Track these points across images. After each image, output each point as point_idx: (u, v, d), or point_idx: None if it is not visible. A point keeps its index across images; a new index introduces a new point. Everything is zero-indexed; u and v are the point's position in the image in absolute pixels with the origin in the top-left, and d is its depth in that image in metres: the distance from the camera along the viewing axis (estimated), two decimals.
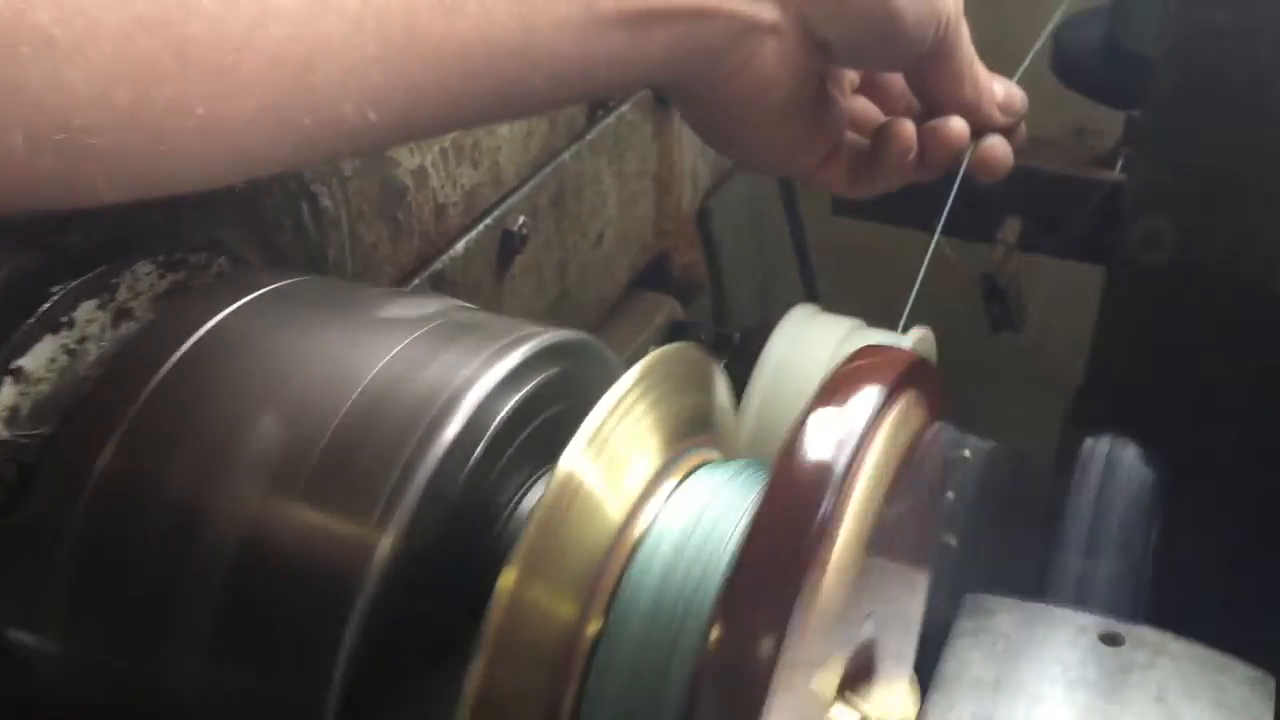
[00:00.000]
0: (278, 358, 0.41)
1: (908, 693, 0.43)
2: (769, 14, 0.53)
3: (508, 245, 0.72)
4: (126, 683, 0.38)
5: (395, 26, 0.40)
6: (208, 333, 0.41)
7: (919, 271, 0.66)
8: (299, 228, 0.56)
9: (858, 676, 0.40)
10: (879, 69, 0.62)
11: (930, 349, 0.67)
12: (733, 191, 1.12)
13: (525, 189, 0.74)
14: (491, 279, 0.72)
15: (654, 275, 0.97)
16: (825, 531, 0.32)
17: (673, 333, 0.77)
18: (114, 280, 0.43)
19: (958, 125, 0.62)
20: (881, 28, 0.55)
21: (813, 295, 1.28)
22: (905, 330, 0.62)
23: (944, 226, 0.94)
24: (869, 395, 0.36)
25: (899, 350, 0.39)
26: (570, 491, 0.36)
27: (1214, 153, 0.83)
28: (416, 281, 0.65)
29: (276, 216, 0.54)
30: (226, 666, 0.36)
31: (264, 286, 0.45)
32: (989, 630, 0.61)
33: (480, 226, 0.70)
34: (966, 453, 0.60)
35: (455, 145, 0.66)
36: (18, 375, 0.41)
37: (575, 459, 0.36)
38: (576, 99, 0.55)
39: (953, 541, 0.62)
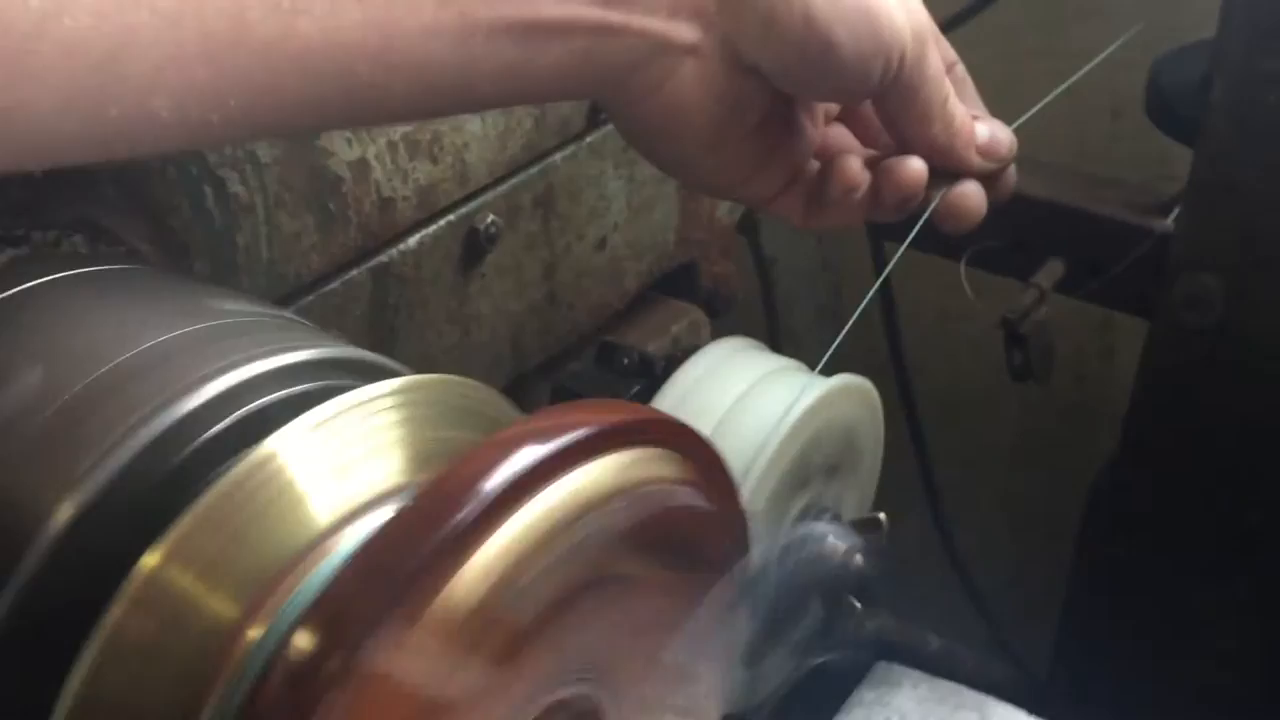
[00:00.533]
0: (57, 325, 0.41)
1: None
2: (687, 34, 0.50)
3: (473, 243, 0.71)
4: None
5: (220, 24, 0.39)
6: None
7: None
8: (200, 211, 0.56)
9: None
10: (822, 99, 0.58)
11: (856, 401, 0.62)
12: None
13: (502, 188, 0.72)
14: (454, 275, 0.71)
15: (684, 284, 0.94)
16: (438, 548, 0.30)
17: (599, 353, 0.75)
18: None
19: (912, 166, 0.57)
20: (815, 57, 0.51)
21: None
22: (827, 374, 0.58)
23: (980, 260, 0.89)
24: (562, 436, 0.33)
25: (635, 407, 0.36)
26: (266, 475, 0.35)
27: (1269, 211, 0.76)
28: (354, 273, 0.65)
29: (171, 198, 0.55)
30: None
31: (86, 267, 0.45)
32: (886, 705, 0.57)
33: (441, 223, 0.69)
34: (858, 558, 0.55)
35: (407, 140, 0.65)
36: None
37: (287, 440, 0.35)
38: (460, 109, 0.53)
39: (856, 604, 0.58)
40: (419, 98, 0.46)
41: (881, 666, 0.60)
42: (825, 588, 0.58)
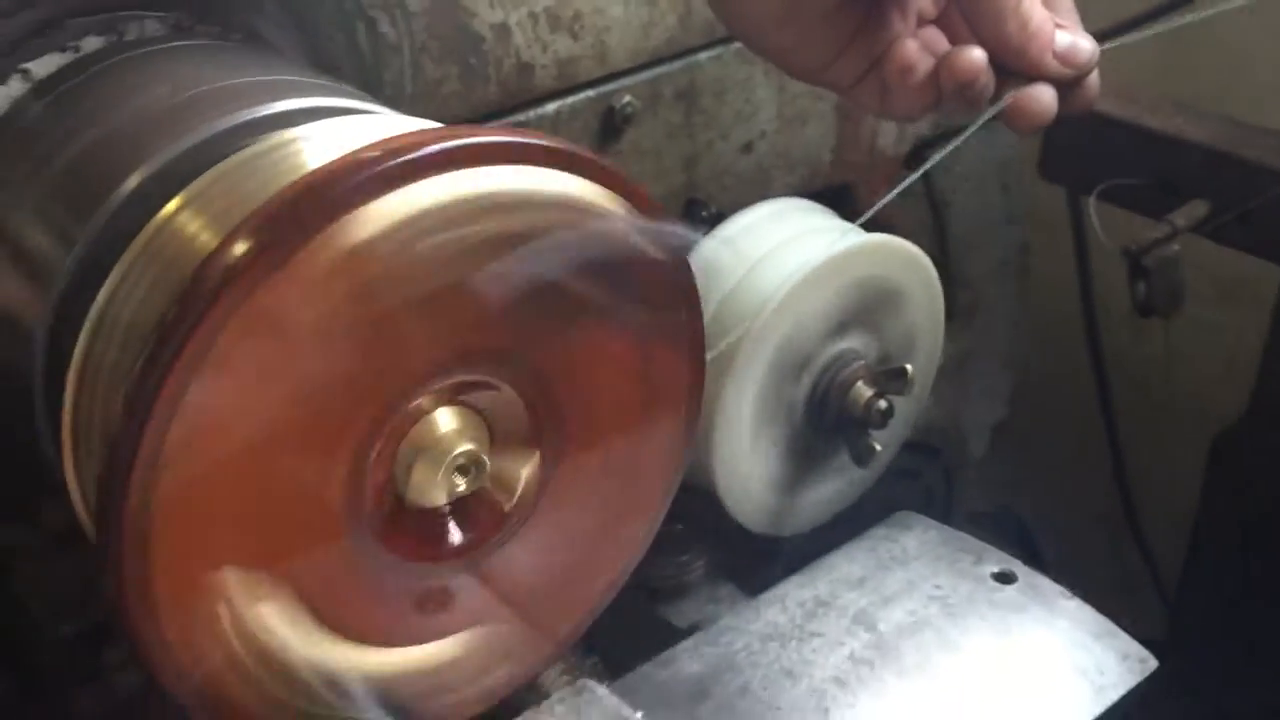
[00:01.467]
0: (186, 64, 0.54)
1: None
2: None
3: (609, 121, 0.80)
4: None
5: None
6: (126, 61, 0.54)
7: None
8: (352, 44, 0.68)
9: (499, 422, 0.46)
10: None
11: (899, 261, 0.66)
12: (973, 151, 1.11)
13: (643, 75, 0.81)
14: (591, 146, 0.80)
15: (835, 203, 0.99)
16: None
17: (686, 207, 0.81)
18: (125, 22, 0.58)
19: (971, 55, 0.60)
20: None
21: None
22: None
23: (1123, 194, 0.90)
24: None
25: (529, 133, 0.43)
26: (276, 149, 0.44)
27: None
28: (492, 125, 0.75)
29: (328, 29, 0.66)
30: None
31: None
32: (893, 541, 0.62)
33: (579, 96, 0.78)
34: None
35: (549, 13, 0.75)
36: (25, 75, 0.56)
37: (300, 130, 0.45)
38: None
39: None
40: None
41: (901, 514, 0.64)
42: (852, 427, 0.63)
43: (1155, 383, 1.17)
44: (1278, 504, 0.87)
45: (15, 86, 0.56)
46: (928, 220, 1.11)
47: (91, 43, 0.57)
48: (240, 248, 0.38)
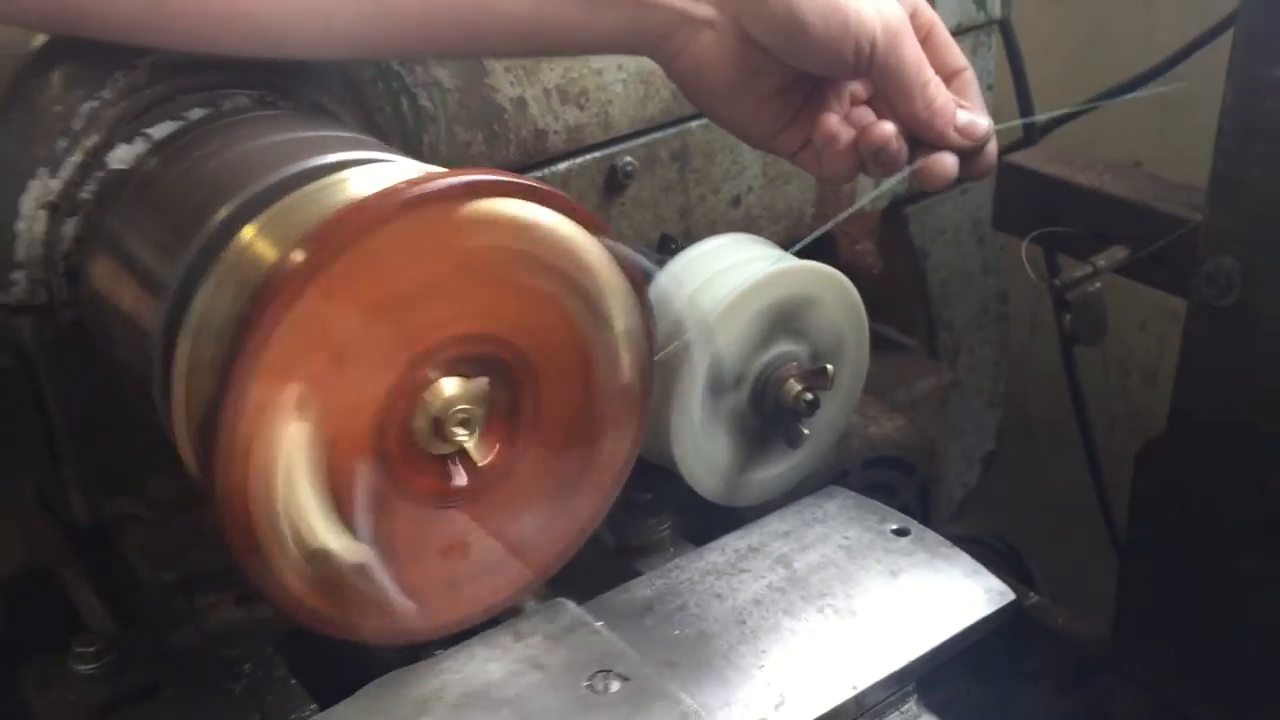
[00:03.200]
0: (274, 124, 0.71)
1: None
2: (705, 11, 0.73)
3: (613, 178, 0.96)
4: None
5: None
6: (221, 126, 0.71)
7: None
8: (397, 114, 0.85)
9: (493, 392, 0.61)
10: (812, 70, 0.75)
11: (825, 283, 0.80)
12: (949, 207, 1.26)
13: (640, 140, 0.97)
14: (597, 199, 0.96)
15: (819, 252, 1.14)
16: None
17: (660, 242, 0.96)
18: (222, 98, 0.75)
19: (882, 128, 0.76)
20: (795, 34, 0.72)
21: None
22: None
23: (1055, 240, 1.04)
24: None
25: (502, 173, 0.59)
26: (333, 185, 0.61)
27: (1273, 202, 0.88)
28: None
29: (378, 102, 0.84)
30: None
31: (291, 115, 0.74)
32: (818, 506, 0.76)
33: (586, 157, 0.95)
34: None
35: (559, 89, 0.92)
36: (146, 138, 0.73)
37: (355, 172, 0.61)
38: (538, 53, 0.79)
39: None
40: (508, 43, 0.72)
41: (829, 487, 0.78)
42: (784, 415, 0.78)
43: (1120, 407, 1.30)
44: (1194, 507, 1.00)
45: (139, 146, 0.73)
46: (909, 268, 1.26)
47: (196, 113, 0.74)
48: (297, 256, 0.54)
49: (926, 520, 1.17)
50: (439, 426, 0.60)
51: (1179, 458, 1.00)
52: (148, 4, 0.65)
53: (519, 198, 0.58)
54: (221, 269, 0.61)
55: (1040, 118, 0.92)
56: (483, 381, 0.61)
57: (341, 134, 0.72)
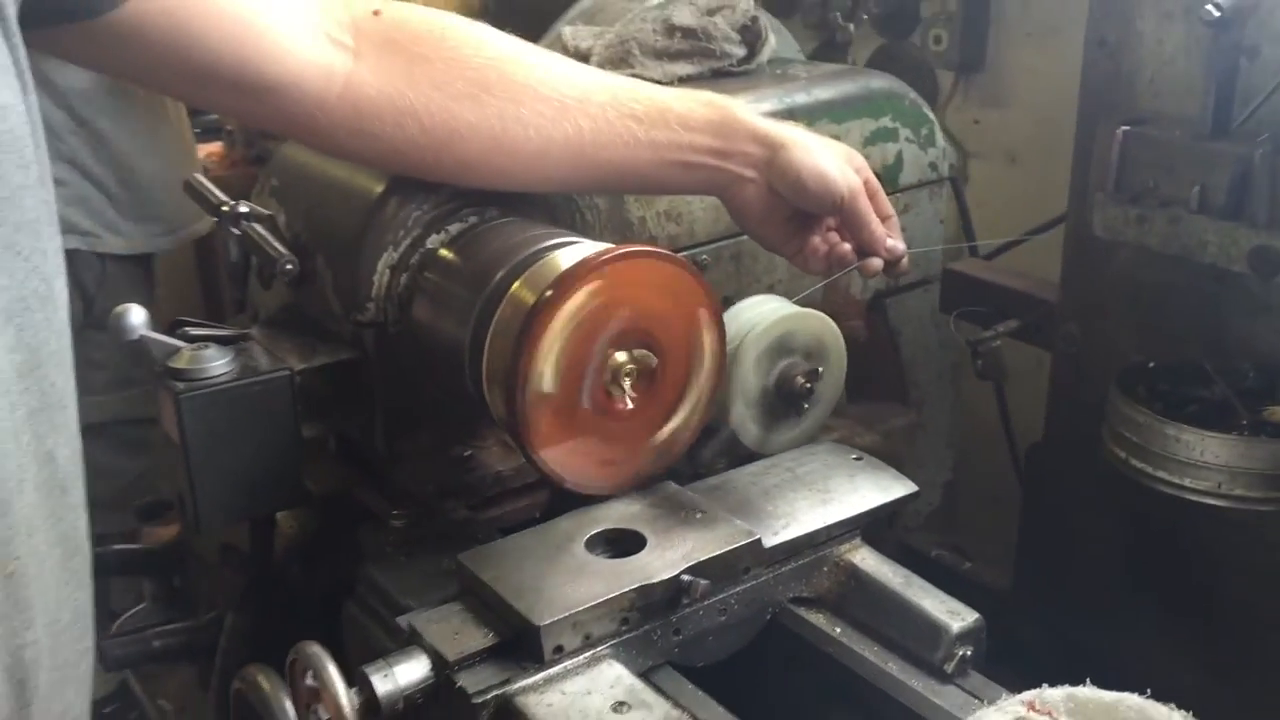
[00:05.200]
0: (502, 233, 1.31)
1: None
2: (751, 174, 1.33)
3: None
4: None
5: (578, 152, 1.28)
6: (489, 227, 1.31)
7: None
8: (573, 224, 1.45)
9: (640, 357, 1.19)
10: (807, 208, 1.35)
11: (819, 321, 1.40)
12: (915, 300, 1.84)
13: (712, 245, 1.57)
14: None
15: None
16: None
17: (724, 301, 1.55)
18: (483, 210, 1.35)
19: (844, 246, 1.36)
20: (795, 189, 1.32)
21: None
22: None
23: (969, 317, 1.63)
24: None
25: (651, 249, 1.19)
26: (549, 264, 1.20)
27: (1091, 289, 1.46)
28: None
29: (563, 215, 1.44)
30: None
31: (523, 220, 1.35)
32: (811, 448, 1.33)
33: (679, 254, 1.54)
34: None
35: (666, 213, 1.52)
36: (445, 232, 1.34)
37: (562, 252, 1.21)
38: (657, 194, 1.41)
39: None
40: (642, 186, 1.33)
41: (824, 442, 1.35)
42: (795, 399, 1.36)
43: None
44: (1066, 494, 1.56)
45: (442, 236, 1.33)
46: (887, 339, 1.84)
47: (471, 219, 1.34)
48: (547, 295, 1.13)
49: (892, 522, 1.74)
50: (615, 376, 1.18)
51: (1050, 454, 1.57)
52: (462, 168, 1.26)
53: (657, 259, 1.18)
54: (505, 304, 1.19)
55: (947, 247, 1.54)
56: (641, 353, 1.19)
57: (550, 230, 1.32)
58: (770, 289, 1.64)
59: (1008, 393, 1.90)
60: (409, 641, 1.08)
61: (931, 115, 1.76)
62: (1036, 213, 1.96)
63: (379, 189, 1.33)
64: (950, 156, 1.80)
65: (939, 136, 1.77)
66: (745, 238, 1.58)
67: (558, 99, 1.24)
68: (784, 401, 1.38)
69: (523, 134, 1.23)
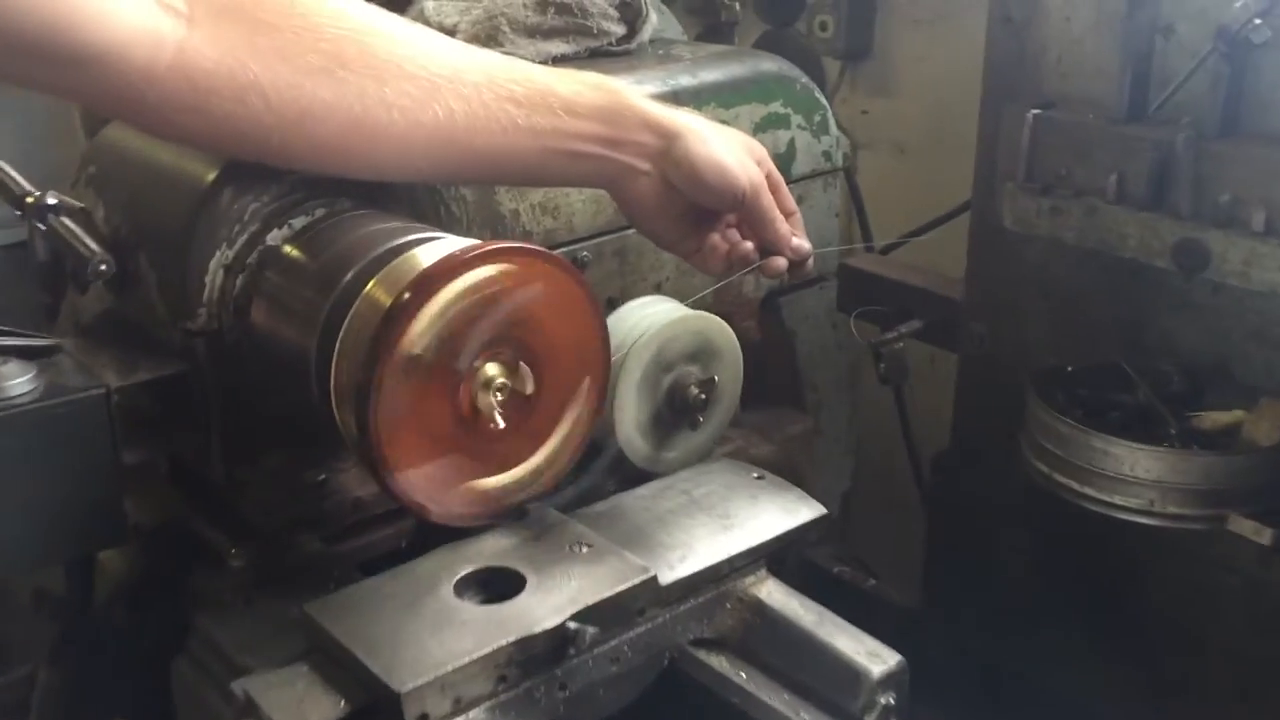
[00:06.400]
0: (358, 223, 1.14)
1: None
2: (644, 166, 1.19)
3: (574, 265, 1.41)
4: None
5: (449, 139, 1.12)
6: (338, 220, 1.14)
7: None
8: (437, 217, 1.29)
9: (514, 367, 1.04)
10: (706, 204, 1.22)
11: (710, 324, 1.26)
12: (811, 299, 1.72)
13: (593, 240, 1.42)
14: None
15: None
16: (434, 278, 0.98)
17: (607, 303, 1.41)
18: (333, 202, 1.18)
19: (745, 245, 1.23)
20: (696, 185, 1.18)
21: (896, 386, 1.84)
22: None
23: (869, 316, 1.51)
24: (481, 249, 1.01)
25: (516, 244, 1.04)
26: (407, 262, 1.05)
27: (999, 286, 1.35)
28: None
29: (425, 209, 1.28)
30: None
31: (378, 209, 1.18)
32: (706, 467, 1.20)
33: (557, 251, 1.39)
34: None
35: (541, 205, 1.36)
36: (290, 227, 1.17)
37: (423, 248, 1.05)
38: (535, 185, 1.26)
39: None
40: (521, 176, 1.18)
41: (719, 458, 1.21)
42: (689, 410, 1.22)
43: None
44: (978, 506, 1.45)
45: (285, 231, 1.16)
46: (783, 344, 1.72)
47: (319, 211, 1.17)
48: (405, 298, 0.97)
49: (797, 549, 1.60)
50: (484, 390, 1.03)
51: (958, 463, 1.46)
52: (314, 154, 1.09)
53: (531, 256, 1.03)
54: (357, 308, 1.03)
55: (855, 246, 1.43)
56: (513, 364, 1.04)
57: (410, 225, 1.16)
58: (658, 288, 1.50)
59: (906, 394, 1.80)
60: (245, 713, 0.91)
61: (824, 101, 1.64)
62: (928, 205, 1.86)
63: (211, 176, 1.15)
64: (844, 145, 1.68)
65: (832, 124, 1.65)
66: (630, 232, 1.45)
67: (426, 77, 1.08)
68: (676, 414, 1.24)
69: (386, 116, 1.07)
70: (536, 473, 1.08)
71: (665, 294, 1.51)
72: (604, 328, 1.08)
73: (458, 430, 1.03)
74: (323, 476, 1.23)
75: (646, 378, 1.21)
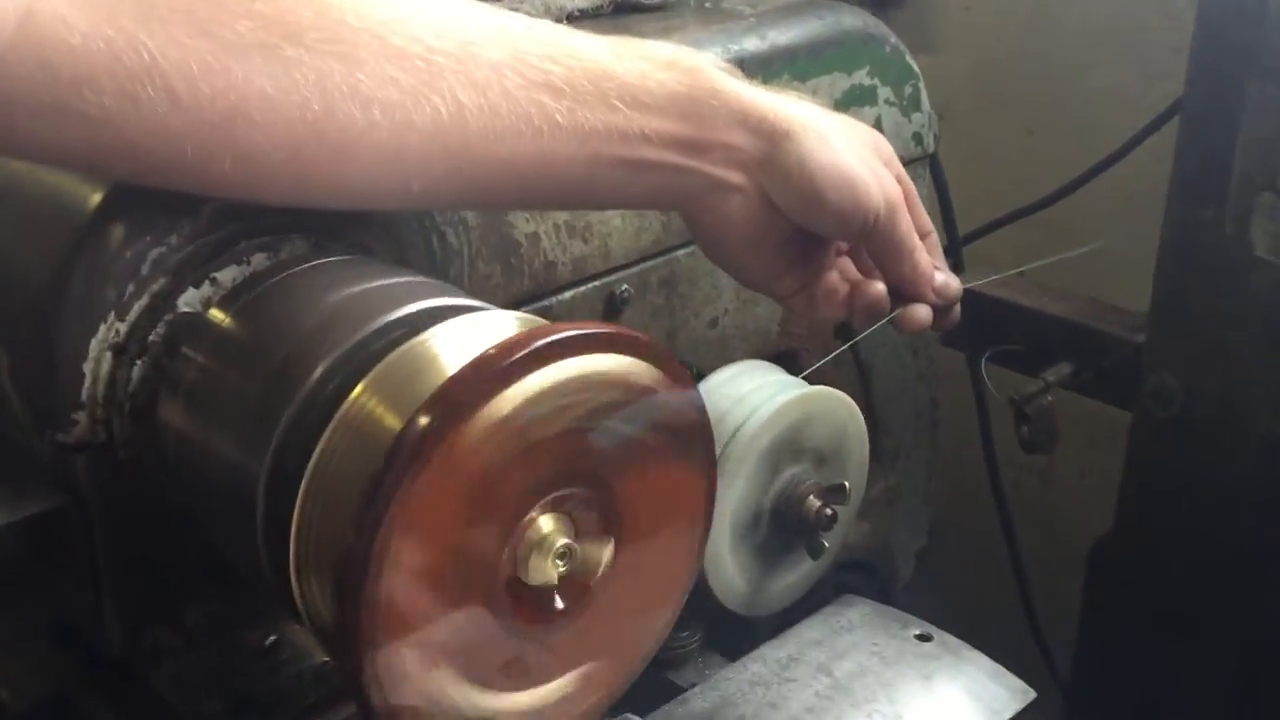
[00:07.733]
0: (341, 277, 0.74)
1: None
2: (736, 179, 0.80)
3: (611, 303, 1.02)
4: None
5: (457, 146, 0.72)
6: (292, 275, 0.75)
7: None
8: (428, 249, 0.89)
9: (583, 523, 0.65)
10: (823, 234, 0.85)
11: (837, 404, 0.88)
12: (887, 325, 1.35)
13: (635, 268, 1.03)
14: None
15: (786, 363, 1.22)
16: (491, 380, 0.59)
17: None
18: (281, 242, 0.79)
19: (875, 287, 0.86)
20: (812, 205, 0.80)
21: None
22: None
23: (1002, 359, 1.14)
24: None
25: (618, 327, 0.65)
26: (422, 348, 0.65)
27: (1208, 325, 0.99)
28: (524, 309, 0.97)
29: (411, 240, 0.88)
30: None
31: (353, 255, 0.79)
32: (840, 615, 0.82)
33: (588, 285, 1.00)
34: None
35: (568, 225, 0.97)
36: (214, 282, 0.76)
37: (436, 332, 0.65)
38: (585, 207, 0.86)
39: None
40: (558, 197, 0.78)
41: (845, 596, 0.84)
42: (807, 530, 0.84)
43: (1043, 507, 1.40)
44: (1139, 602, 1.10)
45: (206, 290, 0.76)
46: (856, 380, 1.34)
47: (259, 258, 0.78)
48: (423, 422, 0.58)
49: None
50: (541, 560, 0.64)
51: (1124, 555, 1.10)
52: (250, 173, 0.68)
53: (606, 350, 0.64)
54: (340, 425, 0.64)
55: (991, 278, 1.05)
56: (577, 513, 0.66)
57: (402, 279, 0.76)
58: (713, 325, 1.12)
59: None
60: None
61: (916, 68, 1.26)
62: (977, 186, 1.49)
63: (90, 205, 0.75)
64: (934, 125, 1.30)
65: (924, 97, 1.27)
66: (680, 253, 1.06)
67: (422, 55, 0.69)
68: (788, 536, 0.86)
69: (360, 115, 0.68)
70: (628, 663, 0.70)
71: (724, 334, 1.13)
72: (711, 441, 0.70)
73: (496, 621, 0.64)
74: (273, 638, 0.85)
75: (750, 492, 0.83)
